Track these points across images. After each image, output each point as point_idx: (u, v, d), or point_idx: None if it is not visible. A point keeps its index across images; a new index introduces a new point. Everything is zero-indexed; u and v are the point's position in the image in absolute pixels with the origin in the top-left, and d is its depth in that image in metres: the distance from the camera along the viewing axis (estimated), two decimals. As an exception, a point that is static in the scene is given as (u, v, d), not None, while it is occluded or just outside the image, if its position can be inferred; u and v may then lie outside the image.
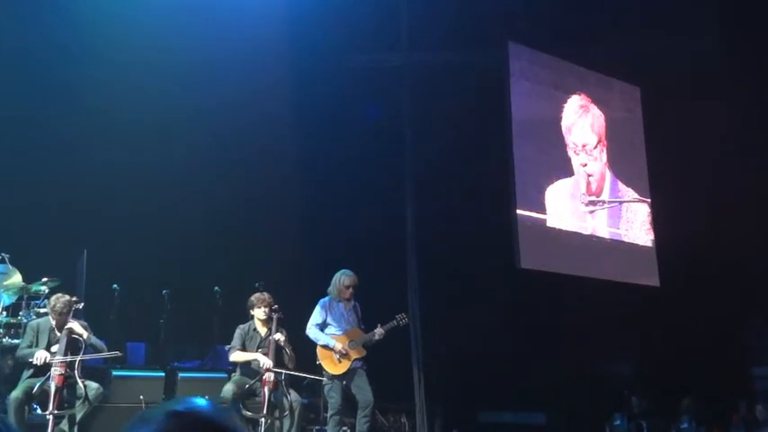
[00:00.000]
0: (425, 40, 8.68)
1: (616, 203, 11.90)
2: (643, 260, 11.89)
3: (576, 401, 8.66)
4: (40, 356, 5.61)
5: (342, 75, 9.39)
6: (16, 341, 6.46)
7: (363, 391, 6.36)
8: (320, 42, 9.18)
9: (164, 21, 8.16)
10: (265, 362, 6.14)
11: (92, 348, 5.81)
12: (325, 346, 6.41)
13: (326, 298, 6.59)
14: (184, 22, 8.34)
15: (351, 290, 6.49)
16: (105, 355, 5.91)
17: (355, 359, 6.40)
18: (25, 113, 7.90)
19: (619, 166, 12.14)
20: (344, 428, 6.86)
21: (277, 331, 6.30)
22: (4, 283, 6.89)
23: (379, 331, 6.46)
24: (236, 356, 6.35)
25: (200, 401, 1.11)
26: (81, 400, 5.57)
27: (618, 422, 8.17)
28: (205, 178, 8.81)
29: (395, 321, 6.57)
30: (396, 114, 8.27)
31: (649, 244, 12.05)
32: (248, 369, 6.30)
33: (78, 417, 5.59)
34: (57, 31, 8.01)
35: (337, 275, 6.57)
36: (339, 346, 6.35)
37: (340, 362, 6.38)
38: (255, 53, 8.79)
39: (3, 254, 6.91)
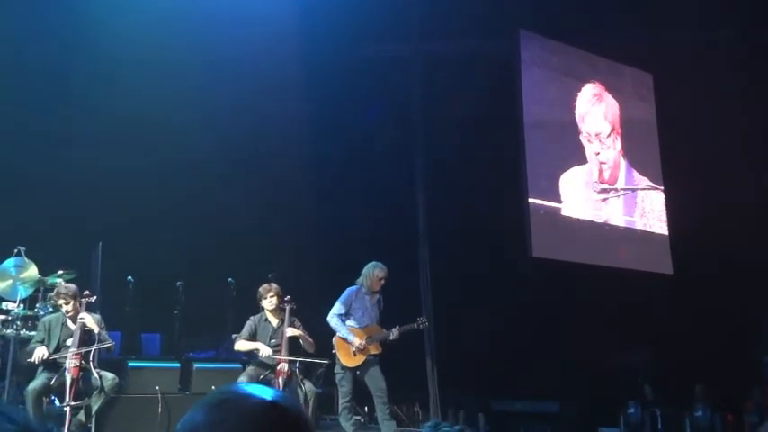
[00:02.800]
0: (436, 30, 8.65)
1: (629, 191, 11.84)
2: (657, 248, 11.85)
3: (590, 390, 8.66)
4: (37, 355, 5.66)
5: (352, 67, 9.37)
6: (33, 333, 6.54)
7: (376, 380, 6.37)
8: (330, 34, 9.16)
9: (172, 17, 8.17)
10: (264, 351, 6.17)
11: (101, 342, 5.87)
12: (344, 339, 6.41)
13: (354, 287, 6.52)
14: (193, 19, 8.35)
15: (383, 281, 6.47)
16: (105, 346, 5.89)
17: (370, 354, 6.41)
18: (40, 107, 7.95)
19: (633, 154, 12.08)
20: (357, 417, 6.89)
21: (291, 321, 6.32)
22: (21, 275, 6.96)
23: (395, 332, 6.43)
24: (240, 345, 6.37)
25: (274, 391, 1.08)
26: (97, 391, 5.63)
27: (632, 410, 8.16)
28: (218, 171, 8.84)
29: (415, 324, 6.54)
30: (407, 105, 8.25)
31: (664, 232, 12.00)
32: (262, 360, 6.33)
33: (95, 407, 5.66)
34: (75, 29, 8.05)
35: (370, 267, 6.51)
36: (357, 342, 6.33)
37: (355, 355, 6.39)
38: (266, 47, 8.78)
39: (19, 247, 6.97)
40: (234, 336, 6.54)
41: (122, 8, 8.11)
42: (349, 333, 6.36)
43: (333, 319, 6.43)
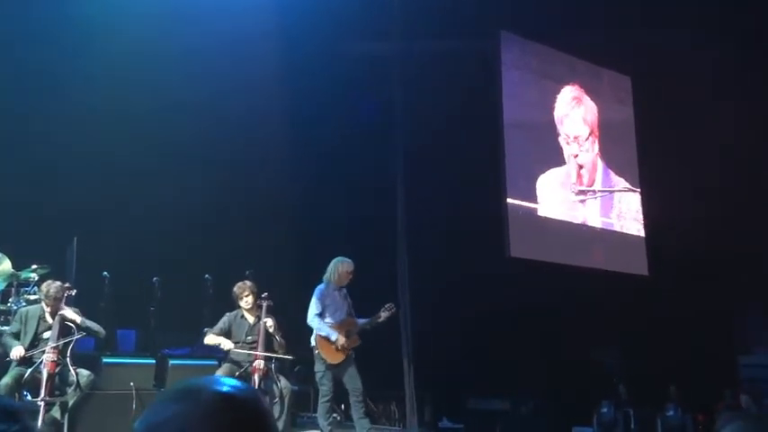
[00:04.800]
0: (417, 28, 8.66)
1: (606, 193, 11.97)
2: (633, 250, 11.99)
3: (564, 389, 8.75)
4: (15, 353, 5.61)
5: (333, 63, 9.36)
6: (5, 328, 6.46)
7: (353, 379, 6.38)
8: (311, 31, 9.14)
9: (153, 12, 8.11)
10: (225, 345, 6.17)
11: (87, 331, 5.83)
12: (326, 338, 6.40)
13: (322, 285, 6.53)
14: (174, 14, 8.29)
15: (351, 276, 6.49)
16: (81, 336, 5.85)
17: (351, 348, 6.42)
18: (11, 100, 7.84)
19: (610, 156, 12.21)
20: (335, 415, 6.90)
21: (267, 318, 6.31)
22: (-6, 269, 6.88)
23: (384, 314, 6.45)
24: (207, 339, 6.38)
25: (234, 382, 1.08)
26: (73, 387, 5.59)
27: (605, 410, 8.25)
28: (196, 166, 8.78)
29: (384, 311, 6.55)
30: (387, 103, 8.26)
31: (640, 233, 12.15)
32: (239, 357, 6.32)
33: (70, 403, 5.61)
34: (43, 21, 7.93)
35: (336, 262, 6.53)
36: (341, 341, 6.33)
37: (338, 350, 6.39)
38: (246, 42, 8.75)
39: (-8, 241, 6.89)
40: (205, 329, 6.51)
41: (101, 1, 8.04)
42: (332, 331, 6.34)
43: (314, 320, 6.42)
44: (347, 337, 6.37)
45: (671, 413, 8.27)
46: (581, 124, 11.93)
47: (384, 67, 8.38)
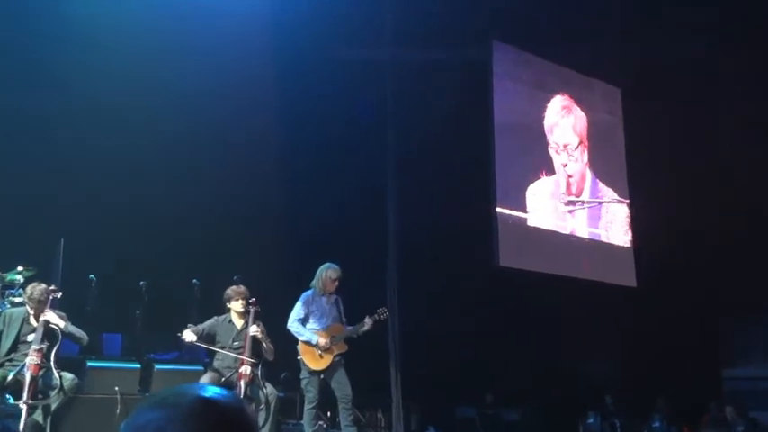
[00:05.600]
0: (410, 36, 8.69)
1: (595, 204, 12.02)
2: (621, 260, 12.03)
3: (551, 399, 8.75)
4: None
5: (325, 68, 9.36)
6: (-11, 330, 6.39)
7: (342, 385, 6.37)
8: (304, 35, 9.15)
9: (147, 11, 8.09)
10: (187, 335, 6.02)
11: (70, 337, 5.78)
12: (308, 342, 6.41)
13: (309, 291, 6.57)
14: (168, 13, 8.27)
15: (336, 283, 6.49)
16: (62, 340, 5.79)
17: (336, 354, 6.41)
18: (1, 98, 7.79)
19: (599, 166, 12.26)
20: (320, 422, 6.87)
21: (254, 324, 6.28)
22: (-22, 271, 6.81)
23: (369, 321, 6.45)
24: (185, 335, 6.21)
25: (219, 389, 1.09)
26: (56, 391, 5.52)
27: (591, 420, 8.26)
28: (184, 169, 8.75)
29: (376, 315, 6.57)
30: (379, 109, 8.26)
31: (627, 244, 12.19)
32: (224, 362, 6.28)
33: (53, 407, 5.55)
34: (46, 15, 7.90)
35: (322, 269, 6.55)
36: (323, 342, 6.34)
37: (321, 357, 6.38)
38: (239, 46, 8.74)
39: (-23, 242, 6.83)
40: (189, 325, 6.42)
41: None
42: (312, 334, 6.37)
43: (293, 324, 6.44)
44: (332, 343, 6.36)
45: (657, 424, 8.29)
46: (570, 133, 11.99)
47: (376, 73, 8.40)
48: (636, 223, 12.11)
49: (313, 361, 6.38)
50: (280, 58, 9.41)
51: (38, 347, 5.52)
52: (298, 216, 9.48)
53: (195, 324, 6.44)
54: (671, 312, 10.61)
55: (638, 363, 10.03)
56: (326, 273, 6.49)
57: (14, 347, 5.68)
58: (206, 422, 1.02)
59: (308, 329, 6.44)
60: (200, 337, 6.23)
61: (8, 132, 7.75)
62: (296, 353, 6.49)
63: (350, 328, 6.51)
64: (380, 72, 8.31)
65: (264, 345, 6.25)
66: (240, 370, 6.08)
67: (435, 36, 9.55)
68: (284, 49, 9.30)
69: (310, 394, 6.40)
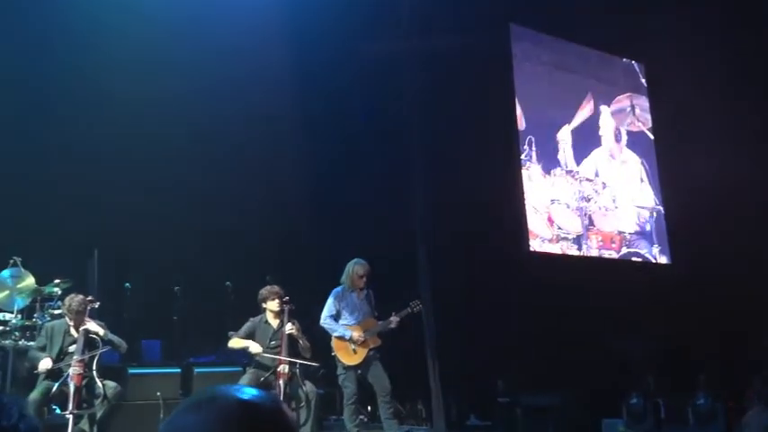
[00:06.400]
0: (427, 25, 8.62)
1: (620, 182, 11.88)
2: (656, 238, 11.89)
3: (592, 382, 8.66)
4: (43, 365, 5.65)
5: (345, 62, 9.34)
6: (31, 343, 6.51)
7: (380, 378, 6.39)
8: (322, 29, 9.12)
9: (167, 9, 8.16)
10: (254, 348, 6.17)
11: (110, 344, 5.86)
12: (341, 338, 6.43)
13: (339, 288, 6.62)
14: (187, 12, 8.33)
15: (364, 279, 6.51)
16: (106, 349, 5.88)
17: (370, 349, 6.43)
18: (33, 113, 7.90)
19: (625, 144, 12.14)
20: (361, 416, 6.89)
21: (289, 322, 6.32)
22: (18, 286, 6.94)
23: (394, 319, 6.48)
24: (232, 342, 6.37)
25: (256, 391, 1.08)
26: (100, 399, 5.61)
27: (634, 401, 8.16)
28: (212, 173, 8.80)
29: (409, 308, 6.59)
30: (401, 100, 8.22)
31: (662, 222, 12.04)
32: (263, 362, 6.33)
33: (98, 415, 5.63)
34: (56, 28, 8.00)
35: (350, 265, 6.59)
36: (356, 336, 6.37)
37: (355, 352, 6.41)
38: (257, 42, 8.74)
39: (15, 257, 6.95)
40: (230, 333, 6.51)
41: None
42: (345, 330, 6.41)
43: (326, 321, 6.51)
44: (365, 337, 6.38)
45: (701, 401, 8.17)
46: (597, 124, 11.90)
47: (396, 64, 8.35)
48: (670, 199, 11.95)
49: (347, 356, 6.41)
50: (298, 51, 9.40)
51: (80, 358, 5.62)
52: (325, 212, 9.49)
53: (235, 330, 6.51)
54: (711, 287, 10.44)
55: (679, 340, 9.89)
56: (354, 269, 6.53)
57: (59, 359, 5.78)
58: (244, 426, 1.01)
59: (341, 325, 6.47)
60: (247, 338, 6.32)
61: (38, 149, 7.86)
62: (332, 349, 6.51)
63: (381, 322, 6.53)
64: (400, 63, 8.27)
65: (301, 342, 6.28)
66: (279, 369, 6.12)
67: (452, 23, 9.47)
68: (302, 41, 9.29)
69: (348, 390, 6.43)
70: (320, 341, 6.56)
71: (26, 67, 7.93)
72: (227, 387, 1.08)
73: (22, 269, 6.97)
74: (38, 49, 7.93)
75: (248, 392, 1.06)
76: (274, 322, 6.45)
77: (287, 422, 1.06)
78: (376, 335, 6.46)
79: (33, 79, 7.95)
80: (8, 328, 6.67)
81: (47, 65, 7.97)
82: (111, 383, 5.77)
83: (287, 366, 6.12)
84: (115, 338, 5.95)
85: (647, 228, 11.89)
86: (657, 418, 8.19)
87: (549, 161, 11.05)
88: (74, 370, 5.54)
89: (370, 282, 6.58)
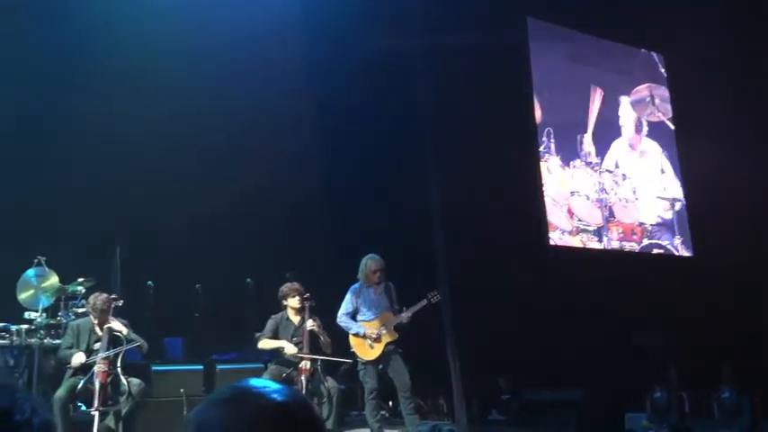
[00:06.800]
0: (444, 18, 8.59)
1: (641, 174, 11.78)
2: (677, 229, 11.78)
3: (614, 376, 8.61)
4: (77, 359, 5.73)
5: (360, 56, 9.32)
6: (57, 341, 6.59)
7: (400, 374, 6.39)
8: (338, 22, 9.12)
9: (176, 11, 8.21)
10: (290, 349, 6.20)
11: (132, 344, 5.92)
12: (357, 334, 6.45)
13: (356, 284, 6.62)
14: (200, 10, 8.38)
15: (378, 274, 6.49)
16: (132, 346, 5.96)
17: (388, 343, 6.42)
18: (54, 113, 7.98)
19: (645, 134, 12.03)
20: (382, 412, 6.90)
21: (310, 319, 6.34)
22: (42, 285, 7.02)
23: (405, 315, 6.45)
24: (263, 344, 6.41)
25: (282, 387, 1.09)
26: (125, 396, 5.67)
27: (658, 395, 8.08)
28: (231, 172, 8.84)
29: (425, 300, 6.53)
30: (418, 95, 8.19)
31: (684, 213, 11.93)
32: (284, 358, 6.36)
33: (123, 412, 5.70)
34: (75, 23, 8.07)
35: (363, 261, 6.60)
36: (370, 332, 6.38)
37: (372, 348, 6.42)
38: (270, 38, 8.78)
39: (39, 257, 7.04)
40: (257, 334, 6.56)
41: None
42: (360, 327, 6.44)
43: (341, 319, 6.54)
44: (381, 332, 6.38)
45: (726, 395, 8.08)
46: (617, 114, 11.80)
47: (409, 60, 8.32)
48: (690, 189, 11.82)
49: (365, 352, 6.43)
50: (312, 52, 9.43)
51: (105, 355, 5.68)
52: (343, 208, 9.51)
53: (255, 329, 6.57)
54: (734, 279, 10.32)
55: (702, 333, 9.79)
56: (367, 264, 6.54)
57: (86, 357, 5.85)
58: (272, 421, 1.01)
59: (358, 321, 6.49)
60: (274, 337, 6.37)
61: (60, 149, 7.94)
62: (350, 347, 6.54)
63: (397, 317, 6.50)
64: (414, 59, 8.23)
65: (322, 338, 6.31)
66: (300, 365, 6.15)
67: (467, 19, 9.41)
68: (316, 32, 9.32)
69: (369, 385, 6.44)
70: (343, 337, 6.58)
71: (47, 67, 8.01)
72: (257, 382, 1.08)
73: (47, 268, 7.05)
74: (56, 49, 8.00)
75: (282, 393, 1.06)
76: (295, 319, 6.48)
77: (320, 426, 1.07)
78: (392, 329, 6.45)
79: (54, 79, 8.03)
80: (33, 327, 6.75)
81: (66, 65, 8.04)
82: (135, 380, 5.83)
83: (309, 363, 6.15)
84: (138, 338, 6.01)
85: (669, 219, 11.77)
86: (682, 413, 8.10)
87: (568, 153, 10.97)
88: (99, 367, 5.61)
89: (384, 276, 6.54)
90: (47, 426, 0.79)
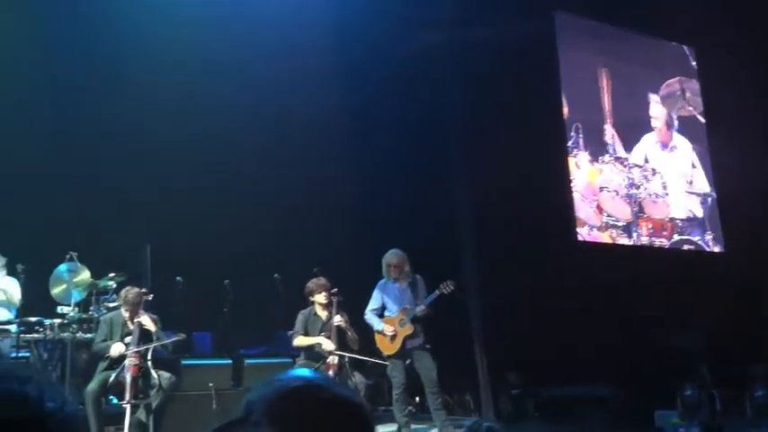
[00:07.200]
0: (471, 14, 8.55)
1: (672, 169, 11.61)
2: (708, 226, 11.61)
3: (644, 373, 8.51)
4: (116, 349, 5.81)
5: (389, 55, 9.31)
6: (89, 336, 6.70)
7: (427, 370, 6.38)
8: (366, 22, 9.12)
9: (207, 8, 8.28)
10: (328, 345, 6.23)
11: (158, 342, 5.99)
12: (377, 331, 6.50)
13: (382, 280, 6.63)
14: (229, 9, 8.45)
15: (397, 269, 6.46)
16: (172, 340, 6.05)
17: (406, 337, 6.38)
18: (86, 111, 8.10)
19: (676, 130, 11.87)
20: (410, 407, 6.90)
21: (337, 314, 6.36)
22: (74, 280, 7.14)
23: (419, 308, 6.38)
24: (299, 341, 6.45)
25: (317, 376, 1.09)
26: (155, 389, 5.74)
27: (689, 392, 7.97)
28: (260, 168, 8.89)
29: (437, 291, 6.45)
30: (445, 91, 8.17)
31: (715, 209, 11.75)
32: (312, 353, 6.39)
33: (154, 405, 5.77)
34: (105, 22, 8.18)
35: (384, 256, 6.60)
36: (387, 328, 6.39)
37: (392, 342, 6.43)
38: (301, 38, 8.81)
39: (71, 252, 7.15)
40: (289, 333, 6.61)
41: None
42: (379, 323, 6.45)
43: (366, 315, 6.60)
44: (400, 326, 6.37)
45: (759, 393, 7.95)
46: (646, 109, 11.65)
47: (439, 57, 8.30)
48: (721, 184, 11.63)
49: (386, 346, 6.46)
50: (343, 49, 9.44)
51: (136, 349, 5.75)
52: (371, 203, 9.51)
53: (283, 324, 6.62)
54: (764, 275, 10.14)
55: (733, 330, 9.64)
56: (385, 259, 6.56)
57: None
58: (348, 424, 1.02)
59: (377, 318, 6.50)
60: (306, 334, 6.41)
61: (91, 147, 8.05)
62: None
63: (412, 310, 6.45)
64: (444, 55, 8.20)
65: (349, 334, 6.32)
66: (328, 360, 6.17)
67: (495, 15, 9.35)
68: (345, 33, 9.33)
69: (396, 379, 6.44)
70: (370, 332, 6.59)
71: (84, 68, 8.13)
72: (312, 377, 1.07)
73: (78, 263, 7.17)
74: (95, 50, 8.13)
75: (341, 388, 1.07)
76: (323, 314, 6.50)
77: (373, 420, 1.07)
78: (409, 322, 6.41)
79: (89, 81, 8.15)
80: (66, 321, 6.87)
81: (103, 66, 8.16)
82: (165, 374, 5.90)
83: (336, 358, 6.17)
84: (164, 337, 6.06)
85: (700, 215, 11.60)
86: (713, 410, 7.99)
87: (597, 148, 10.85)
88: (130, 361, 5.69)
89: (403, 271, 6.48)
90: (76, 415, 0.79)
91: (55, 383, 0.87)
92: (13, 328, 6.70)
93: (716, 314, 9.78)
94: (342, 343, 6.30)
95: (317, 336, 6.40)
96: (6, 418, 0.69)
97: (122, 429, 5.50)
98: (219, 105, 8.41)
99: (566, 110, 10.59)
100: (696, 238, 11.40)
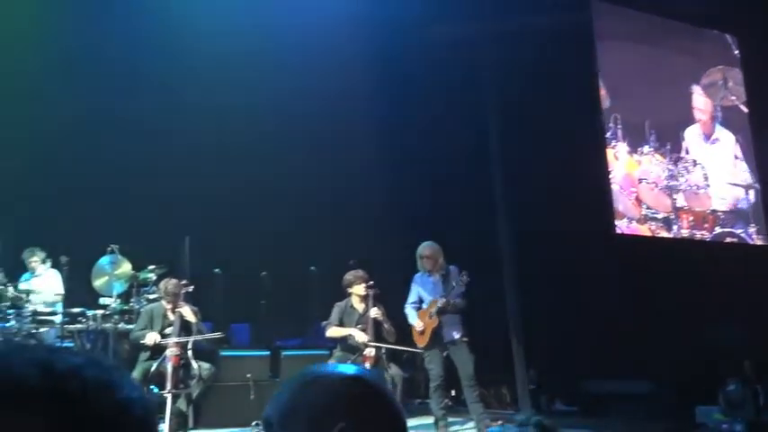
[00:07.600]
0: (506, 6, 8.46)
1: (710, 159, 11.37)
2: (750, 218, 11.34)
3: (685, 368, 8.36)
4: (150, 337, 5.91)
5: (425, 45, 9.28)
6: (130, 326, 6.83)
7: (464, 364, 6.34)
8: (402, 11, 9.10)
9: (242, 4, 8.36)
10: (360, 337, 6.24)
11: (199, 333, 6.09)
12: (411, 325, 6.50)
13: (419, 273, 6.60)
14: (263, 5, 8.51)
15: (429, 260, 6.39)
16: (210, 336, 6.17)
17: (433, 329, 6.35)
18: (126, 107, 8.24)
19: (719, 122, 11.61)
20: (446, 400, 6.88)
21: (374, 307, 6.37)
22: (116, 272, 7.29)
23: (441, 300, 6.32)
24: (332, 332, 6.47)
25: (355, 367, 1.12)
26: (196, 380, 5.83)
27: (732, 387, 7.79)
28: (296, 161, 8.95)
29: (454, 284, 6.37)
30: (481, 82, 8.10)
31: (756, 200, 11.47)
32: (348, 345, 6.41)
33: (194, 395, 5.86)
34: (143, 22, 8.31)
35: (418, 249, 6.57)
36: (418, 323, 6.36)
37: (422, 334, 6.41)
38: (336, 29, 8.83)
39: (113, 245, 7.29)
40: (323, 323, 6.63)
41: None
42: (414, 318, 6.42)
43: (405, 308, 6.57)
44: (430, 318, 6.34)
45: (805, 389, 7.75)
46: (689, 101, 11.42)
47: (474, 47, 8.23)
48: (766, 175, 11.35)
49: (418, 339, 6.44)
50: (376, 42, 9.44)
51: (177, 339, 5.85)
52: (407, 196, 9.49)
53: (319, 316, 6.65)
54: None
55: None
56: (419, 252, 6.50)
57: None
58: (356, 400, 1.04)
59: (414, 312, 6.50)
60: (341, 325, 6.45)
61: (134, 145, 8.17)
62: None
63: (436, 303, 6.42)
64: (479, 46, 8.13)
65: (385, 326, 6.32)
66: (365, 352, 6.19)
67: (532, 2, 9.24)
68: (380, 23, 9.31)
69: (433, 372, 6.42)
70: (408, 325, 6.59)
71: (125, 64, 8.29)
72: (326, 365, 1.14)
73: (119, 256, 7.32)
74: (137, 47, 8.27)
75: (351, 369, 1.11)
76: (360, 307, 6.52)
77: (391, 397, 1.10)
78: (435, 315, 6.34)
79: (131, 77, 8.31)
80: (108, 312, 7.01)
81: (145, 62, 8.30)
82: (205, 365, 5.98)
83: (373, 350, 6.18)
84: (204, 329, 6.17)
85: (743, 207, 11.33)
86: (757, 406, 7.80)
87: (636, 139, 10.66)
88: (171, 351, 5.78)
89: (435, 263, 6.41)
90: (146, 402, 0.78)
91: (123, 369, 0.87)
92: (57, 318, 6.86)
93: (759, 308, 9.56)
94: (378, 335, 6.31)
95: (352, 327, 6.41)
96: (101, 405, 0.69)
97: (163, 418, 5.60)
98: (258, 96, 8.48)
99: (604, 100, 10.42)
100: (739, 231, 11.15)
